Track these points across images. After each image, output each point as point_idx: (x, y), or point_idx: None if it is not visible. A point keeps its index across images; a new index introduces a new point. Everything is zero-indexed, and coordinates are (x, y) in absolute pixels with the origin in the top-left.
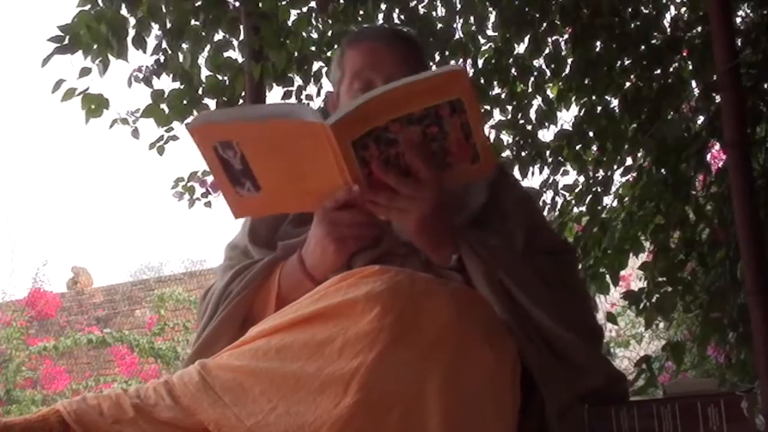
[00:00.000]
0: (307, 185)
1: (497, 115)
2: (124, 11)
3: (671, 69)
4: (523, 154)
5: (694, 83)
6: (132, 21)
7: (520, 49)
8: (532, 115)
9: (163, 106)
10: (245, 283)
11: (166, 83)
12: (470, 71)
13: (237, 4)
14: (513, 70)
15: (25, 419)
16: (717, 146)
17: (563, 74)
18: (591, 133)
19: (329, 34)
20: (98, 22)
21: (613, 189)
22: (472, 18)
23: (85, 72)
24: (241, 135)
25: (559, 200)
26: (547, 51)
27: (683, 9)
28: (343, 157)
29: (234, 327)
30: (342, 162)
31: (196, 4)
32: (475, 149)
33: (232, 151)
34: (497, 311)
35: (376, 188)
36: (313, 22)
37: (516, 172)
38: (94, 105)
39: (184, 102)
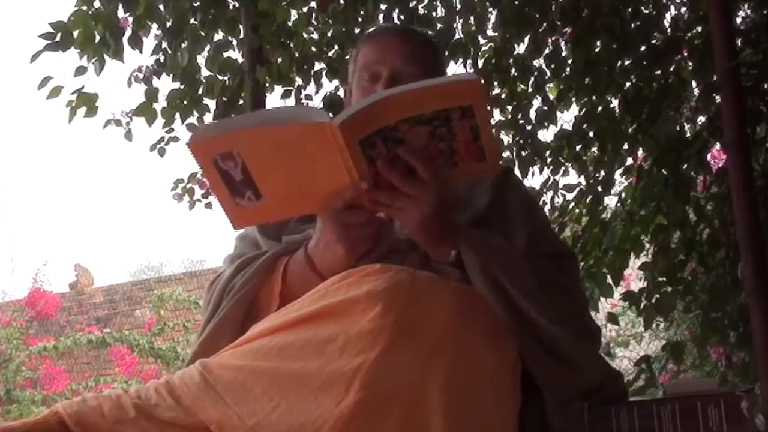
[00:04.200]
0: (313, 187)
1: (497, 115)
2: (120, 12)
3: (671, 69)
4: (523, 154)
5: (694, 83)
6: (129, 19)
7: (520, 49)
8: (532, 115)
9: (156, 105)
10: (247, 279)
11: (166, 83)
12: (470, 71)
13: (236, 4)
14: (513, 70)
15: (24, 423)
16: (717, 146)
17: (563, 74)
18: (591, 134)
19: (329, 34)
20: (95, 22)
21: (614, 190)
22: (472, 18)
23: (80, 71)
24: (242, 144)
25: (559, 200)
26: (547, 51)
27: (683, 9)
28: (351, 155)
29: (235, 326)
30: (349, 161)
31: (195, 4)
32: (483, 150)
33: (233, 161)
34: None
35: (380, 187)
36: (314, 23)
37: (516, 173)
38: (86, 104)
39: (185, 102)
